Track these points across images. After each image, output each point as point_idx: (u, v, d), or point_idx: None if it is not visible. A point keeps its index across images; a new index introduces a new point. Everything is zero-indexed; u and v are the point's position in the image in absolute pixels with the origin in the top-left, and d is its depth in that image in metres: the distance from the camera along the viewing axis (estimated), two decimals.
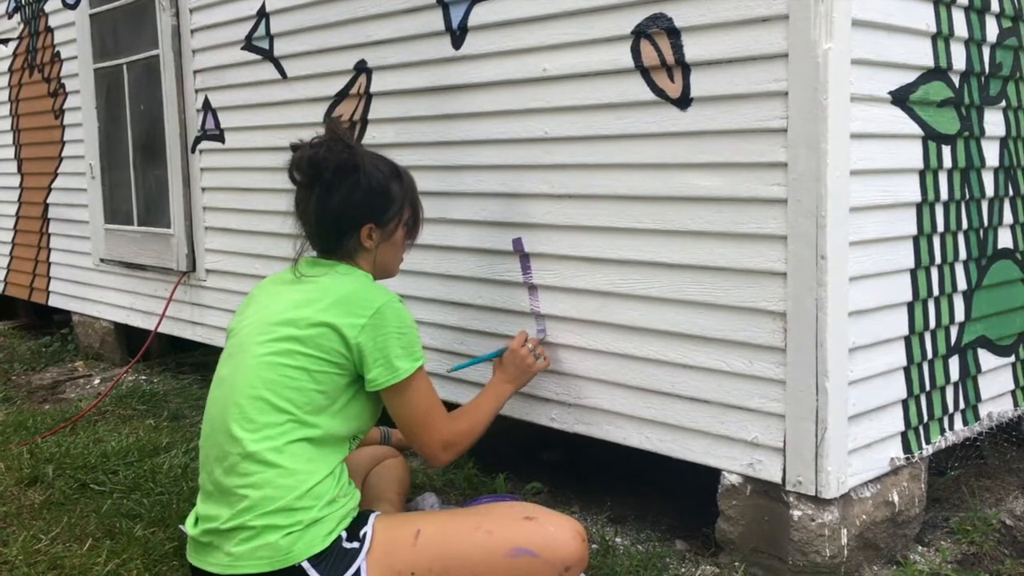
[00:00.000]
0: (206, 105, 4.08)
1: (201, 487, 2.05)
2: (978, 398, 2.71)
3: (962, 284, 2.61)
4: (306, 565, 1.87)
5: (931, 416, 2.54)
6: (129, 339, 4.97)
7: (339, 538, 1.92)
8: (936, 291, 2.51)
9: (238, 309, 2.19)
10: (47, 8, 5.20)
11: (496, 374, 2.51)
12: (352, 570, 1.89)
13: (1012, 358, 2.85)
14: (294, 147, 2.17)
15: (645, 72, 2.46)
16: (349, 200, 2.12)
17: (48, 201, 5.42)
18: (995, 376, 2.78)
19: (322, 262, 2.16)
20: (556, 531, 1.98)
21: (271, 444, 1.92)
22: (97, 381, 4.76)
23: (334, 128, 2.16)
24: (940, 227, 2.51)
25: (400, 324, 2.02)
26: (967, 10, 2.49)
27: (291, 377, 1.95)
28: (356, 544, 1.93)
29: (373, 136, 3.24)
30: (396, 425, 2.16)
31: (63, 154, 5.22)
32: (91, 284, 5.09)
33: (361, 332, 1.96)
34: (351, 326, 1.96)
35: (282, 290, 2.10)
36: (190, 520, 2.06)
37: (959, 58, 2.50)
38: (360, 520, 1.99)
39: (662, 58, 2.41)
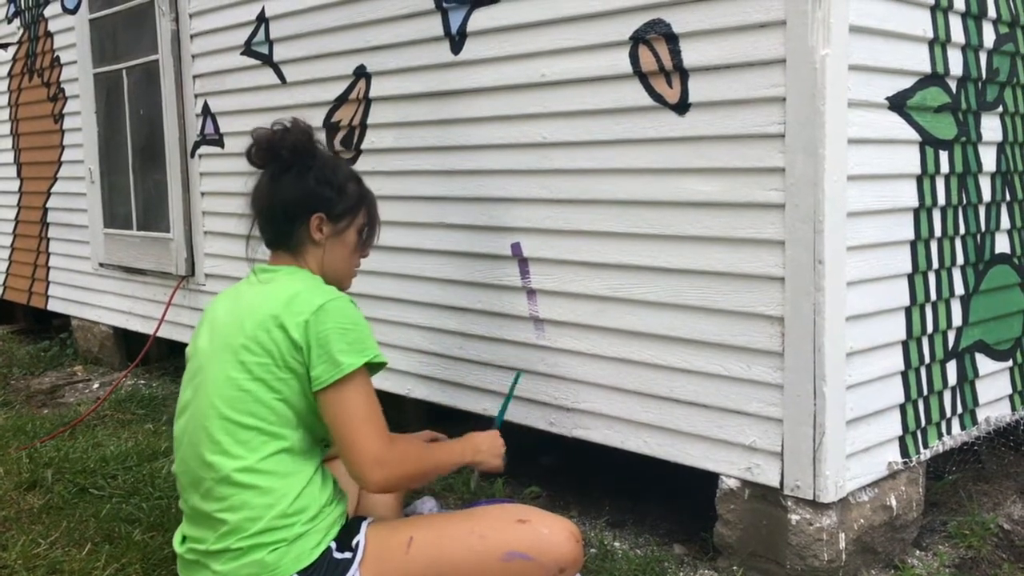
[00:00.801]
0: (205, 110, 4.09)
1: (183, 510, 2.06)
2: (976, 402, 2.72)
3: (960, 289, 2.61)
4: None
5: (929, 420, 2.55)
6: (128, 343, 4.98)
7: (328, 549, 1.90)
8: (934, 296, 2.52)
9: (194, 332, 2.14)
10: (47, 13, 5.21)
11: (470, 437, 2.24)
12: None
13: (1009, 362, 2.85)
14: (254, 132, 2.15)
15: (643, 77, 2.46)
16: (302, 182, 2.08)
17: (47, 205, 5.42)
18: (992, 380, 2.78)
19: (271, 268, 2.11)
20: (550, 533, 1.97)
21: (243, 464, 1.90)
22: (96, 385, 4.76)
23: (298, 121, 2.15)
24: (938, 232, 2.51)
25: (344, 320, 1.94)
26: (964, 16, 2.50)
27: (250, 391, 1.92)
28: (348, 554, 1.91)
29: (372, 141, 3.25)
30: (330, 436, 2.00)
31: (62, 158, 5.23)
32: (90, 288, 5.10)
33: (305, 329, 1.90)
34: (296, 325, 1.91)
35: (233, 304, 2.06)
36: (177, 538, 2.06)
37: (956, 64, 2.51)
38: (352, 528, 1.98)
39: (660, 64, 2.42)
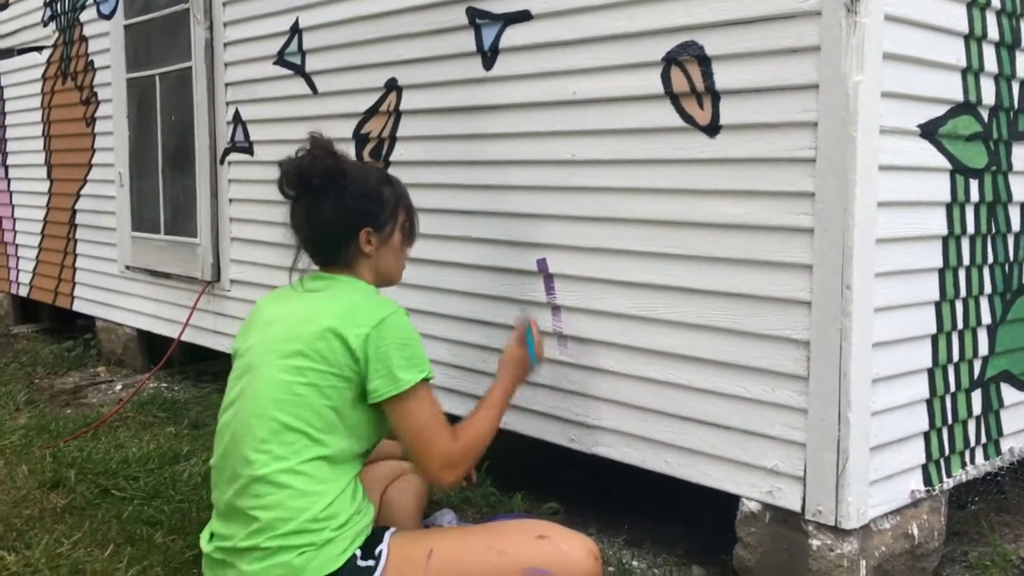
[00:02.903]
0: (236, 117, 4.13)
1: (214, 506, 2.07)
2: (1000, 432, 2.70)
3: (986, 318, 2.60)
4: None
5: (952, 449, 2.53)
6: (151, 346, 5.02)
7: (353, 556, 1.93)
8: (960, 324, 2.51)
9: (241, 330, 2.18)
10: (83, 18, 5.28)
11: (503, 375, 2.38)
12: None
13: None
14: (281, 163, 2.18)
15: (675, 98, 2.48)
16: (341, 205, 2.12)
17: (76, 207, 5.48)
18: (1017, 411, 2.77)
19: (324, 275, 2.15)
20: (569, 550, 1.98)
21: (284, 465, 1.92)
22: (119, 387, 4.80)
23: (318, 139, 2.17)
24: (966, 260, 2.51)
25: (403, 336, 2.00)
26: (997, 45, 2.50)
27: (301, 395, 1.95)
28: (371, 562, 1.93)
29: (401, 153, 3.27)
30: (372, 447, 2.11)
31: (93, 161, 5.29)
32: (116, 291, 5.15)
33: (365, 341, 1.95)
34: (356, 336, 1.95)
35: (285, 307, 2.09)
36: (204, 536, 2.08)
37: (988, 93, 2.50)
38: (375, 537, 2.00)
39: (692, 85, 2.43)
